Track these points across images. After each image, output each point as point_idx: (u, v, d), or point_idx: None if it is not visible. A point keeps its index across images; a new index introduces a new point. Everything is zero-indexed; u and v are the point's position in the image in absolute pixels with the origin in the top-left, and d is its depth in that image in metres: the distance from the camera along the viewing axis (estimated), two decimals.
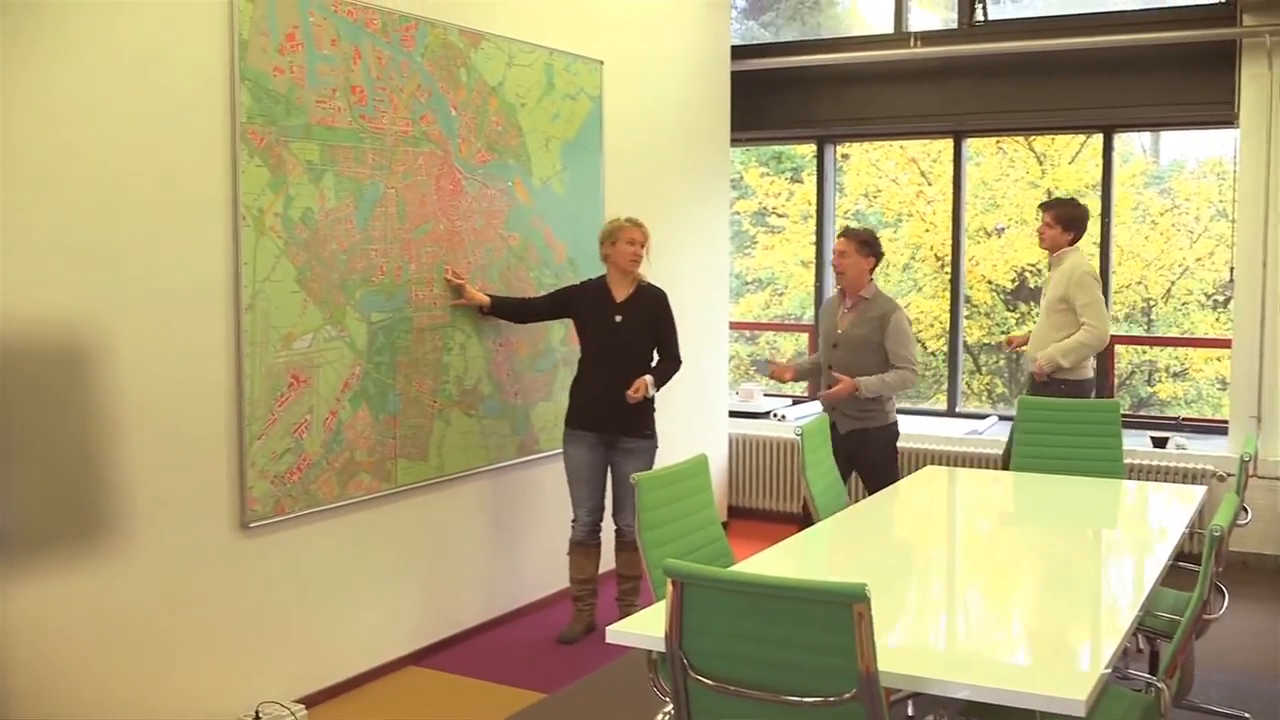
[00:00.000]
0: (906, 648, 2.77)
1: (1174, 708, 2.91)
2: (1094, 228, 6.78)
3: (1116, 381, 7.19)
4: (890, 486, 4.61)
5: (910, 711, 3.00)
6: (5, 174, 3.18)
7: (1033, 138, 7.95)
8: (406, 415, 4.54)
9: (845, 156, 8.30)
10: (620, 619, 3.30)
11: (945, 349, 7.41)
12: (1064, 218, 5.53)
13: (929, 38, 6.82)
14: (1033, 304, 7.77)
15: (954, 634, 2.96)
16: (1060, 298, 5.46)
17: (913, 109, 7.00)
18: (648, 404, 4.87)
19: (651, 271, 5.01)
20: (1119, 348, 7.45)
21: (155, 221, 3.59)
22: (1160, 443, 6.38)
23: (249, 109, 3.84)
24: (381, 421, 4.42)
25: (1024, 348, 5.81)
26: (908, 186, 8.61)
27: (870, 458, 5.09)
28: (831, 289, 6.64)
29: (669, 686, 2.57)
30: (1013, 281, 8.26)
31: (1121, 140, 6.99)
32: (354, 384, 4.29)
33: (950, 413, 7.19)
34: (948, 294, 7.26)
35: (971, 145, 7.41)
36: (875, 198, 8.72)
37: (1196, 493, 4.37)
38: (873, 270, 5.15)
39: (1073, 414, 4.93)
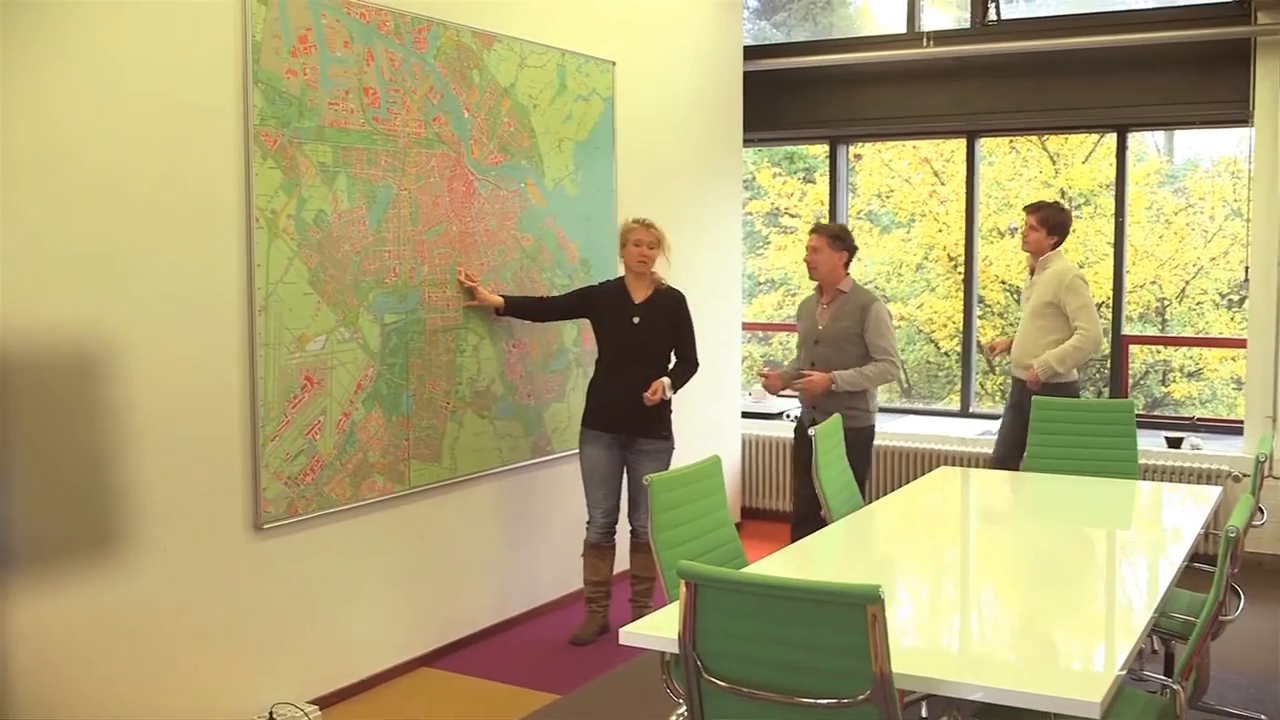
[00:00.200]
0: (920, 649, 2.76)
1: (1189, 710, 2.89)
2: (1108, 227, 6.77)
3: (1131, 381, 7.16)
4: (903, 487, 4.60)
5: (924, 713, 3.00)
6: (16, 178, 3.20)
7: (1046, 137, 7.93)
8: (419, 417, 4.55)
9: (858, 156, 8.29)
10: (634, 620, 3.30)
11: (959, 349, 7.39)
12: (1049, 221, 5.47)
13: (942, 37, 6.81)
14: None
15: (968, 635, 2.95)
16: (1048, 301, 5.41)
17: (925, 109, 6.98)
18: (665, 405, 4.86)
19: (665, 272, 5.01)
20: (1133, 348, 7.42)
21: (168, 224, 3.60)
22: (1175, 443, 6.35)
23: (262, 111, 3.85)
24: (395, 423, 4.43)
25: (1006, 354, 5.79)
26: (921, 186, 8.59)
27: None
28: None
29: (682, 688, 2.57)
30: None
31: (1135, 139, 6.96)
32: (367, 385, 4.30)
33: (964, 413, 7.16)
34: (961, 294, 7.24)
35: (985, 145, 7.39)
36: (888, 198, 8.71)
37: (1212, 493, 4.35)
38: (847, 265, 5.14)
39: (1087, 414, 4.92)
